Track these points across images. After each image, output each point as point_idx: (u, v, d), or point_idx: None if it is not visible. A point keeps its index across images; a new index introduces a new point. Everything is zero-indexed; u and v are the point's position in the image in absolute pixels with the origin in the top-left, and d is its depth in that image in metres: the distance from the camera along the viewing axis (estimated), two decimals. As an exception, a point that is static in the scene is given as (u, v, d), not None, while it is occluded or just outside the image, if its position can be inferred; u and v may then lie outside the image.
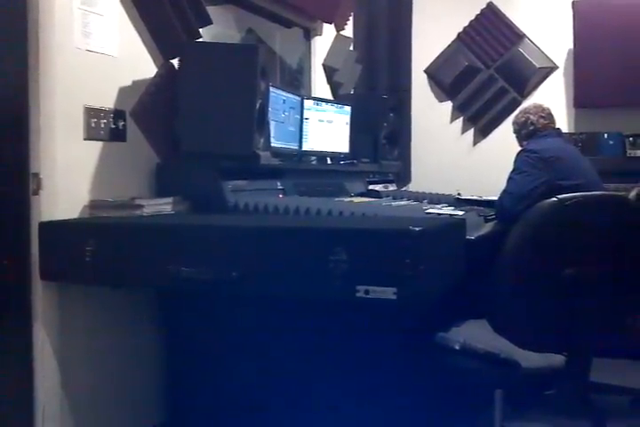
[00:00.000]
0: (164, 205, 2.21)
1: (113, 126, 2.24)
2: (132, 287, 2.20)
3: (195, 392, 2.28)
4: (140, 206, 2.11)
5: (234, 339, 2.21)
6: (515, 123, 3.26)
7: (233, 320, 2.20)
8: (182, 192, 2.31)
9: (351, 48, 3.93)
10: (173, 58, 2.45)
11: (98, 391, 2.22)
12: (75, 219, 2.09)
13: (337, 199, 2.78)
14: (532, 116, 3.15)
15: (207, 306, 2.22)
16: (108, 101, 2.23)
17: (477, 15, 4.51)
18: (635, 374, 3.26)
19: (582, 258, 1.81)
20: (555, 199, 1.80)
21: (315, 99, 3.18)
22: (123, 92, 2.29)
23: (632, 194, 2.68)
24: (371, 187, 3.36)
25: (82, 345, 2.16)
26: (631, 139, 3.95)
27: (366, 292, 1.68)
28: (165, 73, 2.45)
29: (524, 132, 3.17)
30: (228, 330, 2.22)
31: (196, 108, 2.34)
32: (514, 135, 3.27)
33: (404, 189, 4.06)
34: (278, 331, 2.13)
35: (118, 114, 2.26)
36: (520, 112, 3.28)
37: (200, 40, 2.56)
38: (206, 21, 2.58)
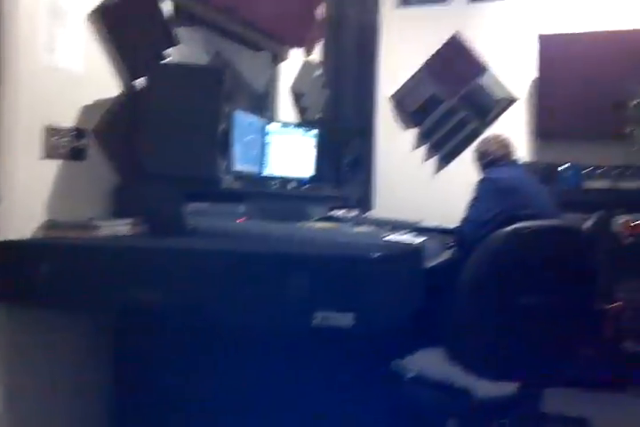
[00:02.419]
0: (122, 227, 2.18)
1: (73, 145, 2.22)
2: (86, 312, 2.15)
3: (143, 418, 2.23)
4: (97, 227, 2.08)
5: (187, 365, 2.18)
6: (475, 151, 3.32)
7: (187, 347, 2.17)
8: (142, 214, 2.29)
9: (319, 73, 3.96)
10: (139, 78, 2.44)
11: (44, 418, 2.16)
12: (29, 239, 2.05)
13: (299, 224, 2.78)
14: (492, 146, 3.21)
15: (162, 332, 2.19)
16: (69, 119, 2.21)
17: (443, 45, 4.60)
18: (583, 403, 3.30)
19: (537, 287, 1.84)
20: (511, 228, 1.82)
21: (280, 122, 3.20)
22: (86, 110, 2.27)
23: (586, 225, 2.74)
24: (333, 212, 3.37)
25: (30, 370, 2.10)
26: (588, 170, 4.04)
27: (324, 318, 1.68)
28: (130, 92, 2.44)
29: (485, 160, 3.22)
30: (182, 357, 2.18)
31: (159, 129, 2.33)
32: (475, 164, 3.33)
33: (366, 214, 4.08)
34: (234, 358, 2.11)
35: (80, 132, 2.24)
36: (481, 141, 3.34)
37: (166, 61, 2.56)
38: (173, 42, 2.58)
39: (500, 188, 2.91)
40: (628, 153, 4.06)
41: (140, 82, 2.44)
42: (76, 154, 2.23)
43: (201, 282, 1.79)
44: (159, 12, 2.55)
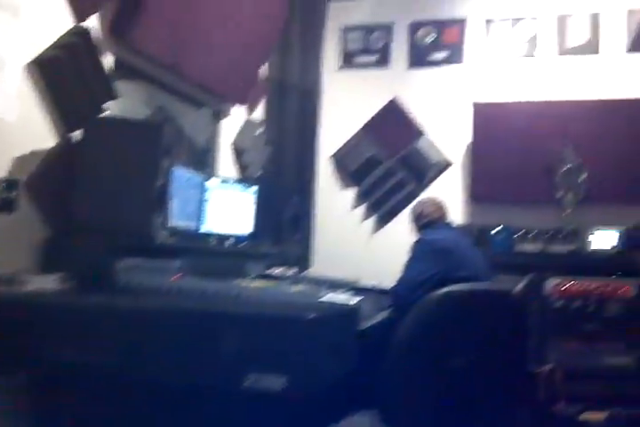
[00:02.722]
0: (50, 282, 2.10)
1: (4, 196, 2.15)
2: (7, 370, 2.04)
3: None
4: (24, 282, 2.00)
5: (116, 424, 2.08)
6: (412, 213, 3.37)
7: (116, 406, 2.07)
8: (72, 268, 2.21)
9: (261, 131, 4.01)
10: (76, 130, 2.41)
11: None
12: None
13: (235, 282, 2.74)
14: (427, 208, 3.27)
15: (90, 391, 2.09)
16: (0, 169, 2.15)
17: (382, 108, 4.74)
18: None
19: (470, 350, 1.85)
20: (444, 291, 1.85)
21: (219, 178, 3.19)
22: (18, 160, 2.22)
23: (518, 287, 2.80)
24: (271, 269, 3.35)
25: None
26: (520, 233, 4.16)
27: (254, 380, 1.64)
28: (66, 144, 2.40)
29: (420, 222, 3.28)
30: (111, 416, 2.08)
31: (94, 183, 2.29)
32: (411, 224, 3.38)
33: (304, 272, 4.06)
34: (165, 420, 2.02)
35: (10, 183, 2.18)
36: (417, 203, 3.40)
37: (105, 114, 2.54)
38: (112, 96, 2.57)
39: (435, 249, 2.95)
40: (558, 217, 4.21)
41: (77, 134, 2.41)
42: (5, 205, 2.16)
43: (131, 340, 1.73)
44: (100, 64, 2.55)
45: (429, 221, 3.24)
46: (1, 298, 1.93)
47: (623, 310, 3.80)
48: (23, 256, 2.23)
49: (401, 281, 2.91)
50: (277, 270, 3.35)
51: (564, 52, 4.48)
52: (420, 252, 2.98)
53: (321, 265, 4.41)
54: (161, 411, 2.01)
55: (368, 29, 4.80)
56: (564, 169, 4.15)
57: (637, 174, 4.17)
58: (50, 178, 2.32)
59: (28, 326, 1.78)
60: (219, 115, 3.68)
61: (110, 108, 2.61)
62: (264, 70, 3.99)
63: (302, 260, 4.10)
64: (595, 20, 4.43)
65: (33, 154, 2.28)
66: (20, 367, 1.90)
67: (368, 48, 4.81)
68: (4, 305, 1.87)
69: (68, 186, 2.33)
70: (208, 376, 1.70)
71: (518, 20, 4.56)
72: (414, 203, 3.48)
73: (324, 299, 2.47)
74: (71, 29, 2.43)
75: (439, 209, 3.28)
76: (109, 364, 1.73)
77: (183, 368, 1.71)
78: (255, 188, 3.40)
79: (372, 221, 4.73)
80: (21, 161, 2.23)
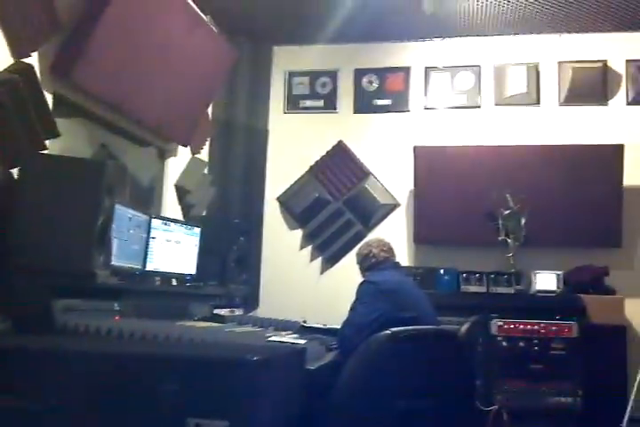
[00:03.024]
0: (-17, 323, 2.01)
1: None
2: None
3: None
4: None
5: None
6: (358, 254, 3.37)
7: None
8: (7, 308, 2.12)
9: (206, 171, 3.99)
10: (15, 167, 2.35)
11: None
12: None
13: (178, 323, 2.67)
14: (373, 249, 3.28)
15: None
16: None
17: (328, 151, 4.79)
18: None
19: (412, 390, 1.83)
20: (388, 332, 1.83)
21: (163, 218, 3.15)
22: (-46, 198, 2.14)
23: (463, 328, 2.81)
24: (217, 311, 3.29)
25: None
26: (465, 275, 4.20)
27: (197, 425, 1.58)
28: (4, 182, 2.33)
29: (366, 263, 3.27)
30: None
31: (34, 221, 2.23)
32: (357, 266, 3.37)
33: (250, 313, 4.00)
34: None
35: (-56, 221, 2.10)
36: (363, 244, 3.40)
37: (45, 152, 2.48)
38: (53, 134, 2.52)
39: (382, 290, 2.94)
40: (501, 260, 4.28)
41: (17, 171, 2.35)
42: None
43: (68, 384, 1.65)
44: (41, 101, 2.50)
45: (375, 263, 3.24)
46: None
47: (566, 349, 3.85)
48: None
49: (347, 323, 2.88)
50: (223, 311, 3.29)
51: (502, 101, 4.64)
52: (365, 293, 2.97)
53: (267, 306, 4.36)
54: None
55: (314, 75, 4.89)
56: (506, 213, 4.24)
57: (576, 218, 4.29)
58: (-14, 216, 2.24)
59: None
60: (163, 154, 3.66)
61: (52, 146, 2.55)
62: (210, 111, 4.00)
63: (249, 301, 4.04)
64: (533, 71, 4.61)
65: (-31, 191, 2.20)
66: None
67: (314, 93, 4.88)
68: None
69: (5, 224, 2.25)
70: (148, 421, 1.62)
71: (459, 67, 4.72)
72: (360, 244, 3.48)
73: (271, 340, 2.42)
74: (12, 65, 2.39)
75: (385, 251, 3.29)
76: (47, 408, 1.64)
77: (123, 413, 1.63)
78: (199, 228, 3.36)
79: (319, 262, 4.72)
80: (-43, 198, 2.15)
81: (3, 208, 2.28)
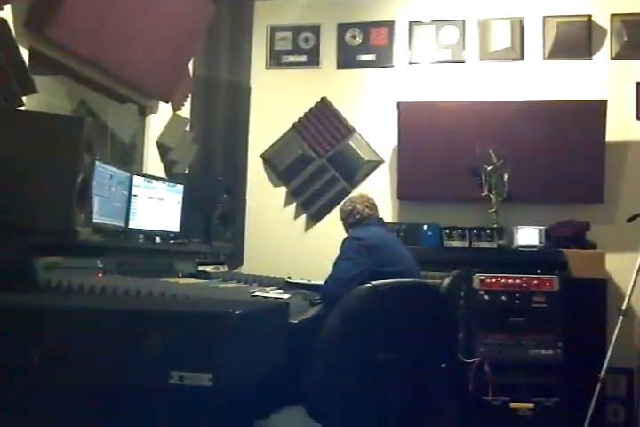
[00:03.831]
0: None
1: None
2: None
3: None
4: None
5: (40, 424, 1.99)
6: (342, 210, 3.38)
7: (40, 406, 1.99)
8: (-11, 267, 2.12)
9: (187, 128, 3.95)
10: (-9, 124, 2.31)
11: None
12: None
13: (162, 280, 2.68)
14: (358, 206, 3.29)
15: (13, 394, 2.00)
16: None
17: (312, 107, 4.74)
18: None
19: (394, 342, 1.86)
20: (369, 285, 1.85)
21: (145, 176, 3.12)
22: None
23: (445, 282, 2.84)
24: (201, 268, 3.30)
25: None
26: (447, 230, 4.23)
27: (180, 378, 1.61)
28: (-20, 139, 2.29)
29: (350, 219, 3.29)
30: (32, 415, 2.00)
31: (12, 178, 2.20)
32: (341, 222, 3.39)
33: (235, 271, 4.02)
34: (88, 418, 1.95)
35: None
36: (347, 201, 3.41)
37: (22, 108, 2.44)
38: (30, 90, 2.47)
39: (366, 245, 2.97)
40: (484, 215, 4.31)
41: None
42: None
43: (53, 340, 1.66)
44: (17, 57, 2.45)
45: (359, 219, 3.26)
46: None
47: (547, 303, 3.92)
48: None
49: (331, 277, 2.91)
50: (208, 268, 3.31)
51: (486, 56, 4.59)
52: (349, 248, 2.99)
53: (252, 263, 4.38)
54: (87, 411, 1.94)
55: (296, 29, 4.80)
56: (489, 169, 4.25)
57: (558, 174, 4.32)
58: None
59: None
60: (144, 111, 3.61)
61: (29, 103, 2.51)
62: (190, 67, 3.94)
63: (233, 258, 4.05)
64: (517, 25, 4.55)
65: (-55, 149, 2.17)
66: None
67: (297, 48, 4.80)
68: None
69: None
70: (133, 375, 1.64)
71: (444, 22, 4.65)
72: (344, 201, 3.49)
73: (255, 295, 2.45)
74: (-15, 19, 2.33)
75: (369, 207, 3.30)
76: (31, 365, 1.66)
77: (106, 367, 1.65)
78: (182, 185, 3.34)
79: (303, 219, 4.73)
80: None
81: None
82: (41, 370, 1.66)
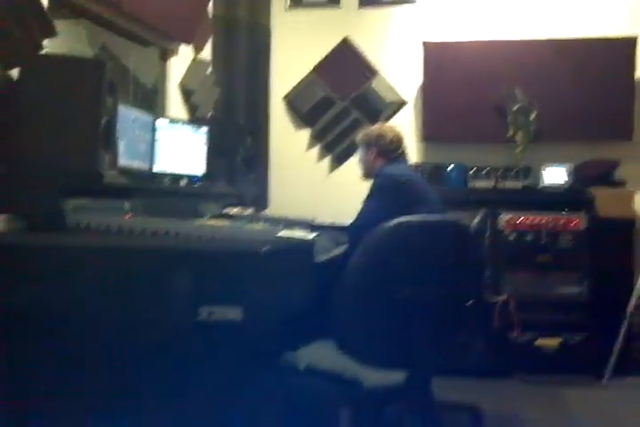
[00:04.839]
0: (-2, 223, 2.05)
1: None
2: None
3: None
4: (-33, 223, 1.95)
5: (73, 366, 2.07)
6: (379, 136, 3.11)
7: (71, 346, 2.06)
8: (19, 209, 2.16)
9: (209, 71, 3.91)
10: (12, 68, 2.31)
11: None
12: None
13: (188, 221, 2.71)
14: (388, 133, 3.12)
15: (44, 331, 2.07)
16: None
17: (334, 48, 4.66)
18: (473, 391, 3.41)
19: (421, 278, 1.87)
20: (396, 222, 1.85)
21: (168, 119, 3.12)
22: (-45, 101, 2.12)
23: (475, 221, 2.82)
24: (227, 210, 3.33)
25: None
26: (473, 171, 4.20)
27: (209, 313, 1.65)
28: (3, 84, 2.30)
29: (382, 145, 3.07)
30: (66, 357, 2.08)
31: (36, 123, 2.21)
32: (361, 149, 3.16)
33: (261, 212, 4.05)
34: (119, 356, 2.02)
35: (-53, 124, 2.09)
36: (379, 129, 3.17)
37: (44, 52, 2.43)
38: (51, 33, 2.46)
39: (398, 184, 2.86)
40: (510, 155, 4.26)
41: (15, 73, 2.31)
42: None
43: (85, 279, 1.71)
44: (36, 1, 2.42)
45: (393, 149, 3.10)
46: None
47: (574, 242, 3.91)
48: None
49: (359, 217, 2.88)
50: (233, 210, 3.34)
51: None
52: (380, 187, 2.89)
53: (277, 206, 4.42)
54: (117, 349, 2.01)
55: (317, -33, 4.67)
56: (515, 108, 4.18)
57: (586, 112, 4.23)
58: (-11, 118, 2.23)
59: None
60: (165, 54, 3.57)
61: (50, 47, 2.50)
62: (210, 8, 3.87)
63: (258, 201, 4.08)
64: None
65: (-30, 94, 2.18)
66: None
67: (318, -13, 4.68)
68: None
69: (11, 126, 2.24)
70: (162, 313, 1.69)
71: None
72: (371, 128, 3.30)
73: (281, 235, 2.47)
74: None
75: (399, 139, 3.17)
76: (64, 304, 1.71)
77: (137, 305, 1.69)
78: (206, 128, 3.34)
79: (327, 161, 4.72)
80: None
81: (4, 110, 2.26)
82: (75, 307, 1.71)
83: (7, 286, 1.72)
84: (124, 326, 1.92)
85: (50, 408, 2.08)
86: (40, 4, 2.46)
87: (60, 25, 2.58)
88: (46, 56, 2.42)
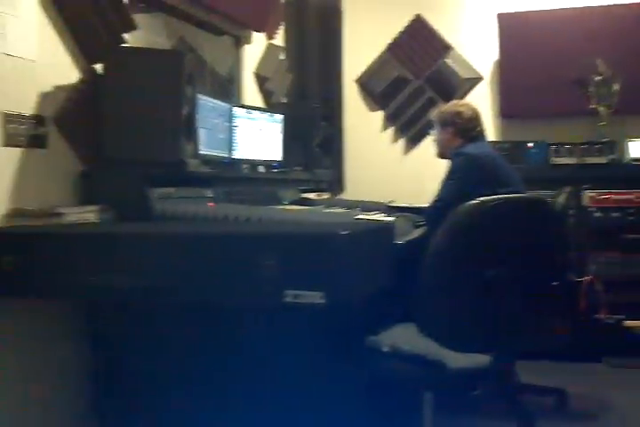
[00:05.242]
0: (88, 214, 2.15)
1: (34, 133, 2.17)
2: (55, 298, 2.12)
3: (122, 404, 2.22)
4: (62, 215, 2.05)
5: (163, 348, 2.17)
6: (443, 112, 3.07)
7: (161, 329, 2.15)
8: (107, 200, 2.25)
9: (282, 57, 3.94)
10: (96, 63, 2.40)
11: (23, 407, 2.13)
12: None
13: (268, 207, 2.76)
14: (467, 111, 3.03)
15: (135, 316, 2.17)
16: (27, 107, 2.16)
17: (406, 26, 4.60)
18: (559, 374, 3.35)
19: (504, 259, 1.84)
20: (478, 201, 1.82)
21: (245, 107, 3.17)
22: (43, 97, 2.22)
23: (561, 198, 2.73)
24: (304, 195, 3.37)
25: (5, 361, 2.06)
26: (554, 147, 4.08)
27: (295, 296, 1.67)
28: (88, 78, 2.39)
29: (460, 123, 2.99)
30: (157, 339, 2.17)
31: (121, 114, 2.30)
32: (436, 128, 3.10)
33: (337, 197, 4.08)
34: (208, 338, 2.10)
35: (38, 120, 2.19)
36: (452, 105, 3.11)
37: (125, 45, 2.51)
38: (131, 27, 2.53)
39: (478, 164, 2.78)
40: (592, 129, 4.11)
41: (99, 67, 2.40)
42: (36, 141, 2.18)
43: (171, 264, 1.77)
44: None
45: (472, 127, 3.03)
46: (45, 229, 1.98)
47: (662, 219, 3.75)
48: (59, 190, 2.27)
49: (438, 199, 2.83)
50: (310, 196, 3.37)
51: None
52: (460, 167, 2.82)
53: (353, 189, 4.43)
54: (204, 330, 2.09)
55: (386, -55, 4.60)
56: (597, 80, 4.02)
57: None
58: (76, 113, 2.32)
59: (72, 255, 1.83)
60: (239, 42, 3.62)
61: (130, 41, 2.57)
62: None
63: (334, 185, 4.10)
64: None
65: (57, 90, 2.28)
66: (68, 294, 1.96)
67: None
68: (49, 236, 1.92)
69: (95, 120, 2.33)
70: (250, 296, 1.73)
71: None
72: (447, 105, 3.23)
73: (359, 218, 2.48)
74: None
75: (476, 117, 3.08)
76: (153, 288, 1.77)
77: (225, 288, 1.74)
78: (282, 115, 3.37)
79: (402, 142, 4.68)
80: (47, 97, 2.23)
81: (91, 103, 2.35)
82: (166, 293, 1.78)
83: (97, 271, 1.80)
84: (212, 310, 1.99)
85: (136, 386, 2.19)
86: (119, 0, 2.54)
87: (138, 19, 2.65)
88: (128, 49, 2.50)
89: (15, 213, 2.06)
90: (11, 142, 2.09)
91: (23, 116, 2.13)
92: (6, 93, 2.08)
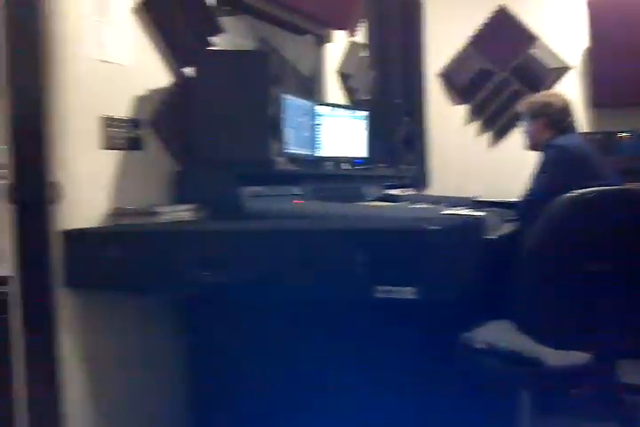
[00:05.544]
0: (183, 212, 2.22)
1: (130, 135, 2.26)
2: (156, 293, 2.21)
3: (217, 398, 2.27)
4: (159, 213, 2.12)
5: (256, 343, 2.21)
6: (533, 103, 2.98)
7: (255, 324, 2.20)
8: (201, 199, 2.32)
9: (363, 54, 3.93)
10: (186, 66, 2.47)
11: (123, 401, 2.23)
12: (95, 227, 2.11)
13: (354, 204, 2.77)
14: (558, 102, 2.93)
15: (230, 311, 2.23)
16: (123, 111, 2.25)
17: (489, 18, 4.51)
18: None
19: (606, 254, 1.78)
20: (576, 193, 1.76)
21: (329, 105, 3.19)
22: (137, 101, 2.31)
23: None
24: (388, 192, 3.35)
25: (106, 353, 2.17)
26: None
27: (387, 292, 1.67)
28: (179, 81, 2.47)
29: (551, 114, 2.91)
30: (250, 334, 2.22)
31: (211, 116, 2.36)
32: (526, 120, 3.02)
33: (422, 192, 4.04)
34: (300, 334, 2.13)
35: (134, 123, 2.28)
36: (542, 96, 3.04)
37: (213, 48, 2.57)
38: (218, 30, 2.59)
39: (571, 157, 2.69)
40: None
41: (189, 70, 2.47)
42: (133, 144, 2.27)
43: (263, 261, 1.80)
44: (203, 1, 2.57)
45: (563, 118, 2.94)
46: (144, 227, 2.06)
47: None
48: (155, 190, 2.35)
49: (530, 192, 2.76)
50: (395, 192, 3.35)
51: None
52: (551, 160, 2.74)
53: (438, 185, 4.38)
54: (296, 325, 2.12)
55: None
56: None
57: None
58: (169, 115, 2.40)
59: (169, 252, 1.89)
60: (320, 41, 3.64)
61: (217, 44, 2.64)
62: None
63: (418, 181, 4.06)
64: None
65: (151, 93, 2.36)
66: (166, 290, 2.03)
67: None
68: (147, 234, 1.99)
69: (187, 121, 2.40)
70: (342, 291, 1.74)
71: None
72: (536, 96, 3.13)
73: (447, 213, 2.45)
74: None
75: (567, 107, 2.98)
76: (246, 283, 1.81)
77: (316, 284, 1.76)
78: (365, 112, 3.37)
79: (486, 137, 4.59)
80: (142, 101, 2.32)
81: (182, 107, 2.42)
82: (259, 288, 1.81)
83: (194, 267, 1.85)
84: (304, 305, 2.01)
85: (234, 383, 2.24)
86: (206, 4, 2.61)
87: (224, 21, 2.71)
88: (216, 52, 2.56)
89: (116, 213, 2.15)
90: (111, 145, 2.19)
91: (121, 120, 2.22)
92: (105, 98, 2.18)
